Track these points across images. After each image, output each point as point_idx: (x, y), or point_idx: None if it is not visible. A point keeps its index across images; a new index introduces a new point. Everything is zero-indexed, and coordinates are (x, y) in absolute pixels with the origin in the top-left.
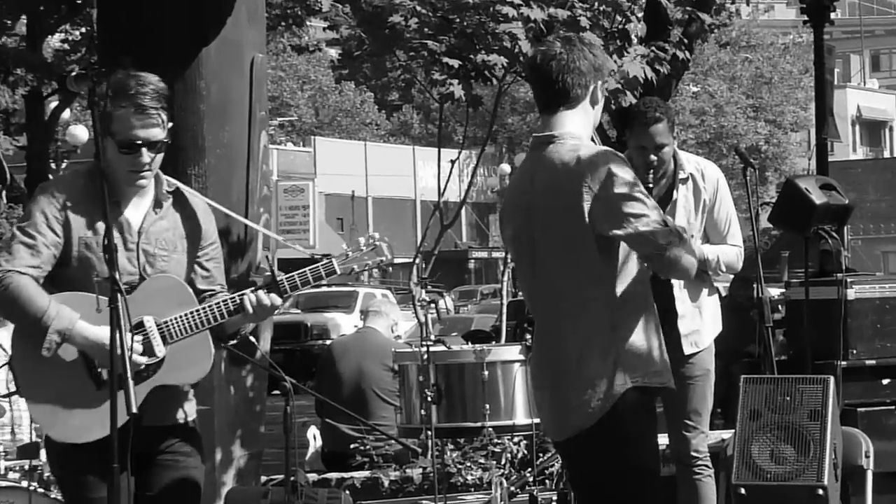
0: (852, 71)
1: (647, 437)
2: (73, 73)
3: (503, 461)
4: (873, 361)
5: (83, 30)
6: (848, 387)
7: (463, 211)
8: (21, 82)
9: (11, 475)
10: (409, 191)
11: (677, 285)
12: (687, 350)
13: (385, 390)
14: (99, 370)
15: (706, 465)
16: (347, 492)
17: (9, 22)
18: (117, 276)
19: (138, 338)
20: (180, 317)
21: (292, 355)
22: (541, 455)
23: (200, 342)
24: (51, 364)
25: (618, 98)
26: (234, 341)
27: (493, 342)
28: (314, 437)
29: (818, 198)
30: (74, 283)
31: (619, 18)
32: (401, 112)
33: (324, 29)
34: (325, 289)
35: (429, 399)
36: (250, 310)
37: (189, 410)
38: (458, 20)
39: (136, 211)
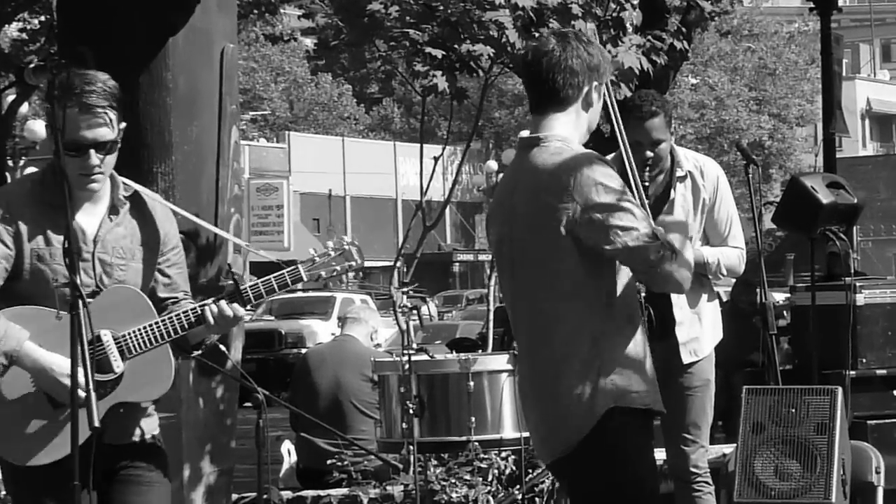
0: (861, 61)
1: (641, 452)
2: (32, 65)
3: (490, 478)
4: (884, 371)
5: (42, 18)
6: (857, 398)
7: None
8: None
9: None
10: (390, 189)
11: None
12: (685, 359)
13: (364, 402)
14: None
15: (706, 482)
16: None
17: None
18: (78, 282)
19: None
20: (138, 330)
21: (265, 365)
22: (530, 471)
23: (161, 356)
24: (3, 383)
25: (612, 91)
26: (199, 352)
27: (480, 351)
28: (288, 453)
29: (825, 197)
30: (26, 296)
31: (612, 6)
32: (381, 106)
33: (298, 17)
34: (300, 294)
35: (411, 412)
36: (212, 321)
37: (147, 427)
38: (441, 8)
39: (90, 218)
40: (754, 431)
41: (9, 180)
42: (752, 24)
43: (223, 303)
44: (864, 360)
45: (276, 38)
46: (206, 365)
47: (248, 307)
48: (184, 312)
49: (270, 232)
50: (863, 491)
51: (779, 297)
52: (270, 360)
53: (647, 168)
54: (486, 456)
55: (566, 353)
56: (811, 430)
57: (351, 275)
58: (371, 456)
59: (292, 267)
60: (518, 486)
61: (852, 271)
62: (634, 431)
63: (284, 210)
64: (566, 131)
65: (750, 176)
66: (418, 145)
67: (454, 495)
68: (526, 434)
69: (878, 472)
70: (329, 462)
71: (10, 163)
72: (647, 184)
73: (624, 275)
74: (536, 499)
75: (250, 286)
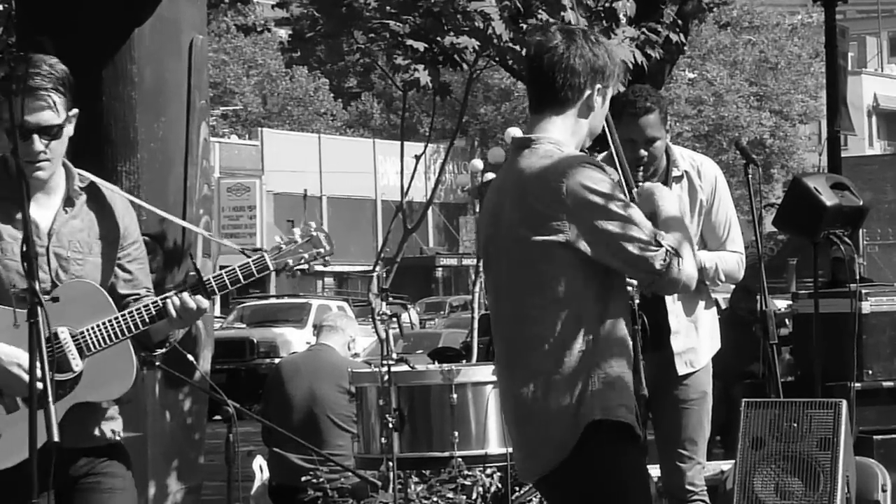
0: (868, 55)
1: (632, 469)
2: None
3: (474, 496)
4: (891, 383)
5: (0, 7)
6: (863, 412)
7: (429, 212)
8: None
9: None
10: (369, 190)
11: (670, 297)
12: (681, 370)
13: (341, 415)
14: (5, 393)
15: (703, 501)
16: None
17: None
18: (36, 287)
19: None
20: (97, 326)
21: (236, 376)
22: (517, 489)
23: (121, 353)
24: None
25: None
26: (163, 350)
27: (463, 361)
28: (260, 469)
29: (829, 198)
30: None
31: None
32: (359, 101)
33: (272, 6)
34: (273, 301)
35: (390, 426)
36: (174, 314)
37: (107, 429)
38: None
39: (43, 210)
40: (754, 447)
41: None
42: (753, 15)
43: (185, 295)
44: (870, 372)
45: (248, 29)
46: (174, 376)
47: (212, 297)
48: (144, 306)
49: (242, 235)
50: None
51: (780, 304)
52: (241, 370)
53: (641, 168)
54: (469, 473)
55: (555, 364)
56: (814, 445)
57: (318, 265)
58: (348, 473)
59: (258, 255)
60: None
61: (858, 277)
62: (624, 447)
63: (257, 211)
64: (561, 135)
65: (750, 176)
66: (399, 143)
67: None
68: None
69: (884, 491)
70: (303, 479)
71: None
72: (641, 184)
73: (617, 282)
74: None
75: (214, 277)
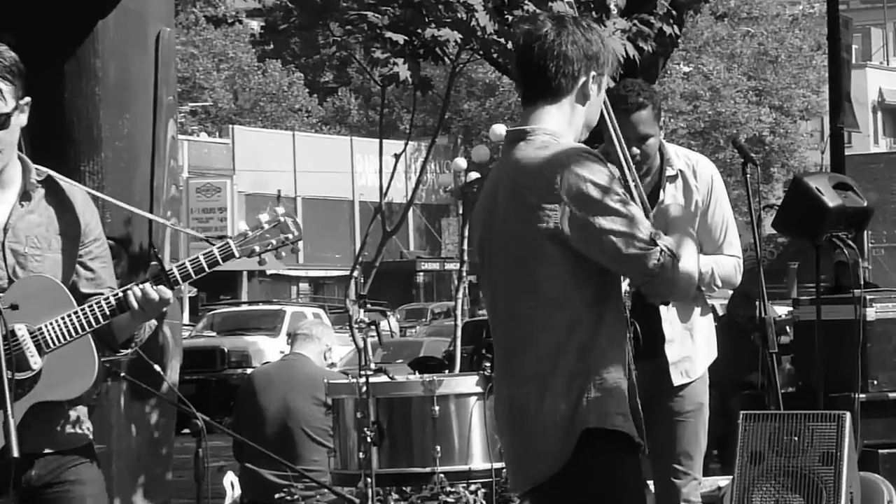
0: (873, 48)
1: (629, 481)
2: None
3: None
4: None
5: None
6: (867, 424)
7: (410, 214)
8: None
9: None
10: (346, 190)
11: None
12: (676, 380)
13: (316, 429)
14: None
15: None
16: None
17: None
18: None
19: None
20: (56, 321)
21: (206, 387)
22: None
23: (82, 349)
24: None
25: None
26: (129, 350)
27: (446, 371)
28: (231, 486)
29: (832, 199)
30: None
31: None
32: (336, 96)
33: None
34: (245, 308)
35: (368, 440)
36: (136, 305)
37: (76, 429)
38: None
39: None
40: (752, 461)
41: None
42: (751, 5)
43: (147, 285)
44: (875, 382)
45: (218, 21)
46: (140, 387)
47: (175, 288)
48: (105, 298)
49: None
50: None
51: (780, 311)
52: (212, 381)
53: (633, 167)
54: (452, 489)
55: (549, 368)
56: (816, 460)
57: (287, 251)
58: (324, 489)
59: (223, 242)
60: None
61: (862, 282)
62: (621, 457)
63: (228, 213)
64: (557, 125)
65: (748, 176)
66: (377, 141)
67: None
68: (497, 465)
69: None
70: (277, 496)
71: None
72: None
73: (613, 288)
74: None
75: (177, 266)
